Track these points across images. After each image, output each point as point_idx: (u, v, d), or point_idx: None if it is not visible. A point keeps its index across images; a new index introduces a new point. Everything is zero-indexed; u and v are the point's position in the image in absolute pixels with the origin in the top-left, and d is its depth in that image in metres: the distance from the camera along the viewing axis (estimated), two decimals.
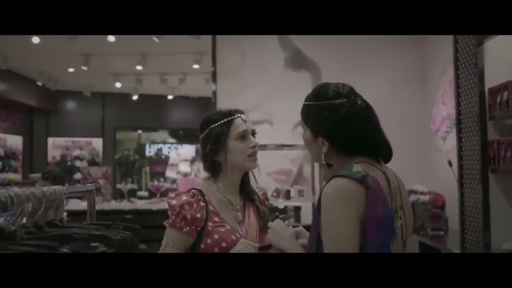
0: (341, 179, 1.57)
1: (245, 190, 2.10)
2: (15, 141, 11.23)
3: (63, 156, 11.96)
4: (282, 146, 4.88)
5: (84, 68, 8.64)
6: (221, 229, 1.96)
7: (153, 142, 13.72)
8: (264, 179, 6.04)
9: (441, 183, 5.54)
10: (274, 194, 4.69)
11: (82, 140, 12.32)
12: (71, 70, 9.53)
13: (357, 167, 1.61)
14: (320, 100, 1.69)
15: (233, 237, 1.96)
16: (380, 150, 1.70)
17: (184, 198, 1.95)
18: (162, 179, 10.89)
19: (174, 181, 10.53)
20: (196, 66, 8.66)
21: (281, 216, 1.95)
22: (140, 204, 8.76)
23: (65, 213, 4.41)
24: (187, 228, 1.92)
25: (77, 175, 10.77)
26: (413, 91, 6.42)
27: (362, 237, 1.53)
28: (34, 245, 1.10)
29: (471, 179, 3.79)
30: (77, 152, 12.12)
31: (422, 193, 5.53)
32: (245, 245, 1.91)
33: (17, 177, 10.87)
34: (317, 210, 1.63)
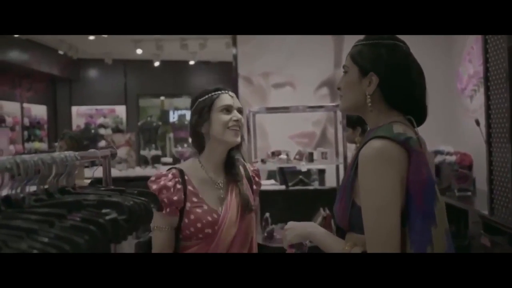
0: (383, 141, 1.47)
1: (230, 171, 2.11)
2: (40, 111, 11.31)
3: (87, 124, 12.05)
4: (309, 108, 4.78)
5: (104, 35, 8.58)
6: (198, 210, 2.00)
7: (176, 108, 13.70)
8: (286, 142, 5.99)
9: (468, 143, 5.43)
10: (297, 157, 4.60)
11: (106, 107, 12.35)
12: (91, 38, 9.48)
13: (397, 128, 1.52)
14: (377, 39, 1.58)
15: (209, 218, 1.98)
16: (421, 111, 1.61)
17: (162, 183, 2.01)
18: (186, 145, 10.92)
19: None
20: None
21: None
22: (164, 170, 8.77)
23: (86, 180, 4.40)
24: (168, 209, 1.97)
25: (102, 143, 10.84)
26: (439, 50, 6.26)
27: (406, 202, 1.47)
28: (42, 213, 1.06)
29: (500, 138, 3.68)
30: (101, 120, 12.18)
31: (448, 153, 5.43)
32: None
33: (43, 146, 10.99)
34: (352, 174, 1.54)
